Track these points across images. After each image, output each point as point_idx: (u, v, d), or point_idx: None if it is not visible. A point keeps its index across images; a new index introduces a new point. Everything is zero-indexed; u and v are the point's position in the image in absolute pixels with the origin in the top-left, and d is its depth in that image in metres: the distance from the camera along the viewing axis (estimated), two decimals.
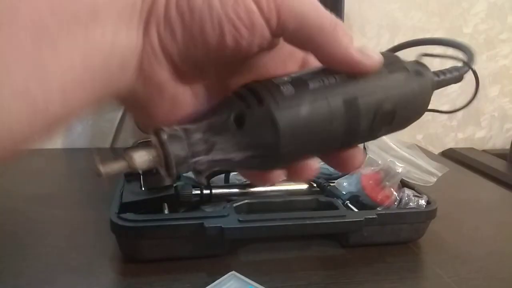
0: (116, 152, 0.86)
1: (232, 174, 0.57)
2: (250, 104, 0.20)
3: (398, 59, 0.24)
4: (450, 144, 1.05)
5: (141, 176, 0.50)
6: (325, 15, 0.20)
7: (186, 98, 0.21)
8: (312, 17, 0.20)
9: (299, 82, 0.20)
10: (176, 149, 0.19)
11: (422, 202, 0.53)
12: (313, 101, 0.20)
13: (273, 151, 0.20)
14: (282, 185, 0.56)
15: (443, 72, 0.26)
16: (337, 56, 0.21)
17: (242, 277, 0.41)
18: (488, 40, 1.00)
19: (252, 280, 0.41)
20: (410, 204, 0.53)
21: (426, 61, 0.26)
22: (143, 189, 0.50)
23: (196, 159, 0.19)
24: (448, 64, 0.27)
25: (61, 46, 0.16)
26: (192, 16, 0.18)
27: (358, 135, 0.22)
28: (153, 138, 0.19)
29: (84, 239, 0.50)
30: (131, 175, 0.54)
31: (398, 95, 0.23)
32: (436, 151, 1.02)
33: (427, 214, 0.51)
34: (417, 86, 0.23)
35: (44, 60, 0.16)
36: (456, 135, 1.06)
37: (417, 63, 0.25)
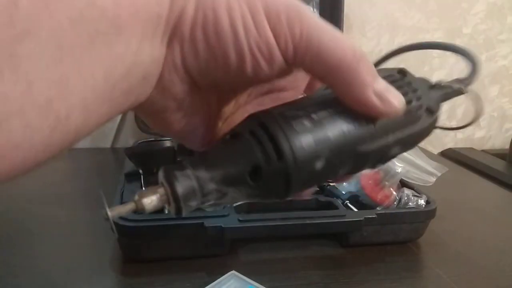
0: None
1: None
2: (269, 157, 0.19)
3: (411, 87, 0.23)
4: (449, 144, 1.05)
5: (142, 176, 0.50)
6: (347, 51, 0.19)
7: (200, 106, 0.22)
8: (331, 53, 0.19)
9: (318, 127, 0.20)
10: (188, 199, 0.19)
11: (422, 202, 0.53)
12: (328, 155, 0.20)
13: (283, 197, 0.21)
14: None
15: (446, 86, 0.26)
16: (354, 96, 0.20)
17: (242, 276, 0.41)
18: (487, 41, 1.01)
19: (252, 279, 0.41)
20: (410, 204, 0.53)
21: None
22: (143, 188, 0.50)
23: (206, 204, 0.20)
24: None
25: (84, 61, 0.16)
26: (217, 40, 0.19)
27: (362, 169, 0.23)
28: (163, 180, 0.19)
29: (84, 239, 0.50)
30: (132, 175, 0.54)
31: (408, 137, 0.23)
32: (436, 151, 1.02)
33: (427, 214, 0.51)
34: (428, 125, 0.24)
35: (66, 74, 0.15)
36: (455, 135, 1.06)
37: (432, 88, 0.25)
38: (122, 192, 0.50)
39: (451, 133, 1.05)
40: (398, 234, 0.50)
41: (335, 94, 0.21)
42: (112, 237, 0.45)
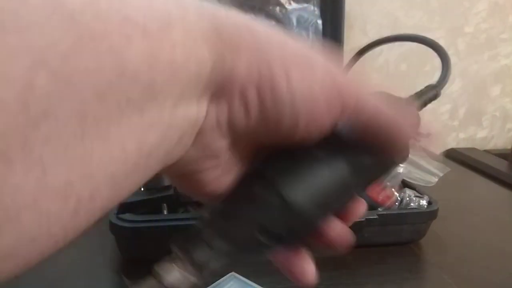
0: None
1: None
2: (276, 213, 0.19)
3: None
4: (451, 144, 1.05)
5: None
6: (391, 117, 0.20)
7: (235, 163, 0.20)
8: (381, 118, 0.20)
9: (313, 180, 0.20)
10: (208, 265, 0.19)
11: (424, 202, 0.52)
12: (324, 201, 0.21)
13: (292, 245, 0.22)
14: None
15: (420, 93, 0.26)
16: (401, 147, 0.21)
17: (242, 278, 0.41)
18: (489, 40, 1.00)
19: (252, 280, 0.41)
20: (411, 204, 0.52)
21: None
22: (142, 189, 0.50)
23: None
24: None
25: (111, 132, 0.14)
26: (273, 105, 0.18)
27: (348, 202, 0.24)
28: (179, 252, 0.19)
29: (83, 239, 0.50)
30: None
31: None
32: (438, 151, 1.02)
33: (429, 215, 0.50)
34: None
35: (90, 151, 0.13)
36: (457, 135, 1.05)
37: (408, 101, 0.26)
38: None
39: (453, 133, 1.05)
40: (400, 235, 0.50)
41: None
42: (111, 237, 0.45)
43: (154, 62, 0.14)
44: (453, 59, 1.03)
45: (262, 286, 0.40)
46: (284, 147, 0.20)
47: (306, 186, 0.20)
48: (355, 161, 0.21)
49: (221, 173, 0.20)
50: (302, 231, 0.21)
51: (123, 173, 0.15)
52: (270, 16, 0.78)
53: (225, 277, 0.41)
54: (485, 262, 0.49)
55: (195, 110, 0.17)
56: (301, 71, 0.18)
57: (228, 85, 0.17)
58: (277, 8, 0.78)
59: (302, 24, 0.79)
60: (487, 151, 1.00)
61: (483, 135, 1.07)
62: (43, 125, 0.12)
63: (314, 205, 0.20)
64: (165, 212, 0.49)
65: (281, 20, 0.78)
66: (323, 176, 0.20)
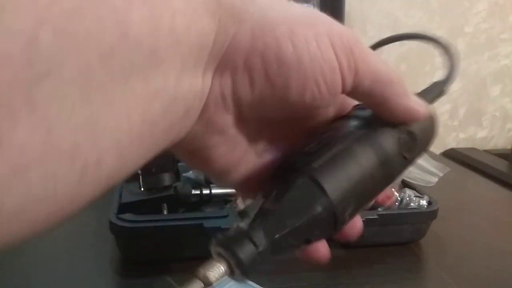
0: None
1: None
2: (318, 206, 0.19)
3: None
4: (451, 144, 1.05)
5: (140, 177, 0.50)
6: (392, 71, 0.21)
7: (242, 140, 0.21)
8: (384, 74, 0.20)
9: (348, 166, 0.20)
10: (253, 264, 0.18)
11: (424, 202, 0.52)
12: (362, 189, 0.21)
13: (334, 233, 0.21)
14: None
15: (427, 91, 0.26)
16: (401, 108, 0.21)
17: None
18: (489, 40, 1.00)
19: (252, 280, 0.41)
20: (411, 204, 0.52)
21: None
22: (142, 189, 0.50)
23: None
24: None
25: (116, 99, 0.14)
26: (279, 69, 0.18)
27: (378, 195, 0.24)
28: (222, 251, 0.18)
29: (83, 239, 0.50)
30: (130, 176, 0.53)
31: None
32: (438, 151, 1.02)
33: (429, 215, 0.50)
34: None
35: (96, 115, 0.13)
36: (457, 135, 1.05)
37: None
38: (121, 192, 0.50)
39: (453, 133, 1.05)
40: (400, 235, 0.50)
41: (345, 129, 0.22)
42: (111, 238, 0.45)
43: (155, 28, 0.15)
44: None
45: (262, 286, 0.40)
46: (293, 120, 0.21)
47: (350, 194, 0.20)
48: (382, 152, 0.21)
49: (228, 150, 0.20)
50: (337, 232, 0.22)
51: (128, 142, 0.15)
52: None
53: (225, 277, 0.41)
54: (485, 262, 0.49)
55: (199, 83, 0.17)
56: (306, 32, 0.18)
57: (232, 57, 0.17)
58: None
59: None
60: (487, 151, 1.00)
61: (483, 135, 1.07)
62: (47, 82, 0.12)
63: (355, 212, 0.21)
64: (165, 212, 0.49)
65: None
66: (362, 182, 0.20)
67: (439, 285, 0.44)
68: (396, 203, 0.53)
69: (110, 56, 0.13)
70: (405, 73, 0.95)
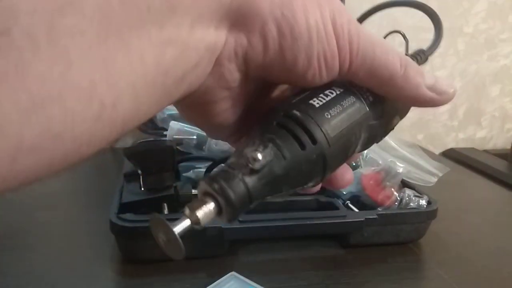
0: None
1: None
2: (305, 146, 0.19)
3: None
4: (451, 144, 1.05)
5: (141, 176, 0.50)
6: (396, 60, 0.21)
7: (243, 97, 0.21)
8: (383, 67, 0.20)
9: (337, 109, 0.21)
10: (242, 204, 0.18)
11: (423, 202, 0.52)
12: (349, 133, 0.21)
13: (322, 179, 0.21)
14: None
15: (410, 56, 0.28)
16: (410, 97, 0.22)
17: (242, 277, 0.41)
18: (488, 40, 1.00)
19: (252, 280, 0.41)
20: (411, 204, 0.52)
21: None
22: (142, 189, 0.50)
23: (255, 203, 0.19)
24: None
25: (132, 41, 0.14)
26: (292, 42, 0.18)
27: (371, 144, 0.24)
28: (211, 189, 0.18)
29: (83, 239, 0.50)
30: (131, 176, 0.53)
31: (404, 106, 0.25)
32: (437, 151, 1.02)
33: (428, 215, 0.51)
34: None
35: (112, 55, 0.14)
36: (457, 135, 1.05)
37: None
38: (121, 192, 0.50)
39: (453, 133, 1.05)
40: (399, 235, 0.50)
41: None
42: (111, 237, 0.45)
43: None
44: (452, 59, 1.04)
45: (262, 286, 0.40)
46: (295, 86, 0.21)
47: (337, 139, 0.20)
48: (371, 102, 0.22)
49: (230, 105, 0.21)
50: (326, 177, 0.21)
51: (143, 85, 0.15)
52: None
53: (225, 277, 0.41)
54: (484, 262, 0.49)
55: (213, 36, 0.17)
56: (316, 12, 0.19)
57: (250, 18, 0.18)
58: None
59: None
60: (487, 151, 1.01)
61: (482, 135, 1.07)
62: (69, 14, 0.12)
63: (342, 158, 0.21)
64: (165, 212, 0.49)
65: None
66: (349, 113, 0.21)
67: (438, 285, 0.44)
68: (396, 203, 0.53)
69: (130, 1, 0.14)
70: None
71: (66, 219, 0.54)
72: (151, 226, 0.18)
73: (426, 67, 0.91)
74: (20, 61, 0.12)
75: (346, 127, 0.21)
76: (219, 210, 0.18)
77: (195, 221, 0.17)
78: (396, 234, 0.50)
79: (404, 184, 0.57)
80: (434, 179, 0.62)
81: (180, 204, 0.50)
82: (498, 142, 1.08)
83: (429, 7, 0.27)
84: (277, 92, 0.24)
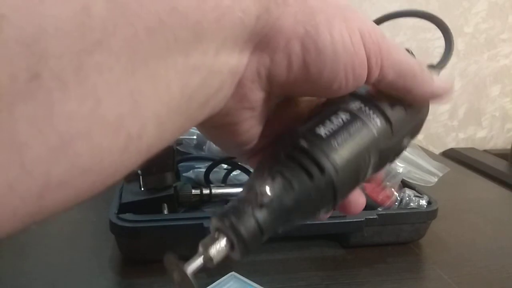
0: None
1: (232, 174, 0.57)
2: (313, 175, 0.19)
3: None
4: (451, 144, 1.05)
5: (141, 176, 0.50)
6: (414, 61, 0.21)
7: (265, 115, 0.21)
8: (408, 70, 0.21)
9: (345, 137, 0.21)
10: (254, 239, 0.18)
11: (423, 202, 0.52)
12: (359, 160, 0.21)
13: (333, 207, 0.21)
14: None
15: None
16: (429, 92, 0.22)
17: (242, 277, 0.41)
18: (489, 40, 1.00)
19: (252, 281, 0.41)
20: (411, 204, 0.52)
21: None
22: (142, 189, 0.50)
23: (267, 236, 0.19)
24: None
25: (159, 72, 0.14)
26: (316, 57, 0.18)
27: (385, 166, 0.24)
28: (219, 225, 0.18)
29: (83, 239, 0.50)
30: (130, 176, 0.53)
31: (416, 126, 0.25)
32: (437, 151, 1.02)
33: (428, 215, 0.50)
34: (426, 112, 0.26)
35: (139, 87, 0.14)
36: (457, 135, 1.05)
37: None
38: (121, 192, 0.50)
39: (453, 133, 1.05)
40: (399, 235, 0.50)
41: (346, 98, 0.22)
42: (111, 238, 0.45)
43: (203, 2, 0.15)
44: (452, 59, 1.03)
45: (262, 286, 0.40)
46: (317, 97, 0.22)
47: (349, 168, 0.20)
48: (391, 114, 0.22)
49: (252, 125, 0.21)
50: (337, 205, 0.21)
51: (167, 114, 0.15)
52: None
53: (225, 277, 0.41)
54: (484, 262, 0.49)
55: (236, 59, 0.17)
56: (341, 24, 0.19)
57: (273, 38, 0.18)
58: None
59: None
60: (487, 151, 1.01)
61: (482, 135, 1.07)
62: (97, 52, 0.12)
63: (353, 184, 0.21)
64: (165, 212, 0.49)
65: None
66: (363, 138, 0.21)
67: (439, 285, 0.44)
68: (396, 203, 0.53)
69: (157, 29, 0.14)
70: None
71: (66, 219, 0.54)
72: (166, 264, 0.18)
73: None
74: (49, 102, 0.12)
75: (354, 154, 0.20)
76: (231, 246, 0.18)
77: (208, 259, 0.17)
78: (396, 234, 0.50)
79: (404, 184, 0.57)
80: (434, 179, 0.62)
81: (180, 204, 0.51)
82: (498, 142, 1.08)
83: (441, 20, 0.27)
84: (297, 104, 0.23)
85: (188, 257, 0.19)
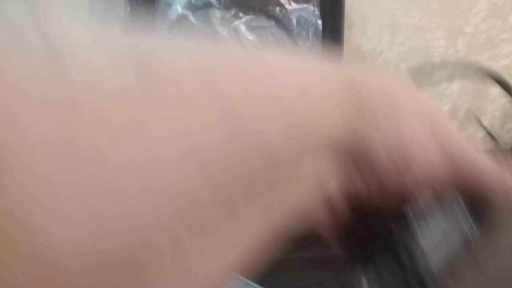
0: None
1: None
2: None
3: None
4: None
5: None
6: (494, 172, 0.20)
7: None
8: (486, 177, 0.20)
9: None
10: None
11: None
12: None
13: None
14: None
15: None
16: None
17: (242, 277, 0.41)
18: (489, 40, 1.00)
19: (252, 280, 0.41)
20: None
21: None
22: None
23: None
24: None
25: (247, 226, 0.14)
26: (398, 176, 0.18)
27: None
28: None
29: None
30: None
31: None
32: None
33: None
34: None
35: (230, 245, 0.13)
36: None
37: None
38: None
39: None
40: None
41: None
42: None
43: (296, 147, 0.14)
44: (453, 59, 1.03)
45: (262, 286, 0.40)
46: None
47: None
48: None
49: (330, 224, 0.21)
50: None
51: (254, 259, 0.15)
52: (270, 16, 0.78)
53: None
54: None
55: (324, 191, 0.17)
56: (427, 140, 0.18)
57: (359, 158, 0.17)
58: (277, 9, 0.78)
59: (302, 24, 0.79)
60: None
61: (482, 135, 1.07)
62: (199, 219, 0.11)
63: None
64: None
65: (281, 21, 0.78)
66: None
67: None
68: None
69: (251, 184, 0.13)
70: (405, 73, 0.96)
71: None
72: None
73: (427, 67, 0.90)
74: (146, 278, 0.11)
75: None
76: None
77: None
78: None
79: None
80: None
81: None
82: (499, 142, 1.08)
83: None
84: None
85: None
